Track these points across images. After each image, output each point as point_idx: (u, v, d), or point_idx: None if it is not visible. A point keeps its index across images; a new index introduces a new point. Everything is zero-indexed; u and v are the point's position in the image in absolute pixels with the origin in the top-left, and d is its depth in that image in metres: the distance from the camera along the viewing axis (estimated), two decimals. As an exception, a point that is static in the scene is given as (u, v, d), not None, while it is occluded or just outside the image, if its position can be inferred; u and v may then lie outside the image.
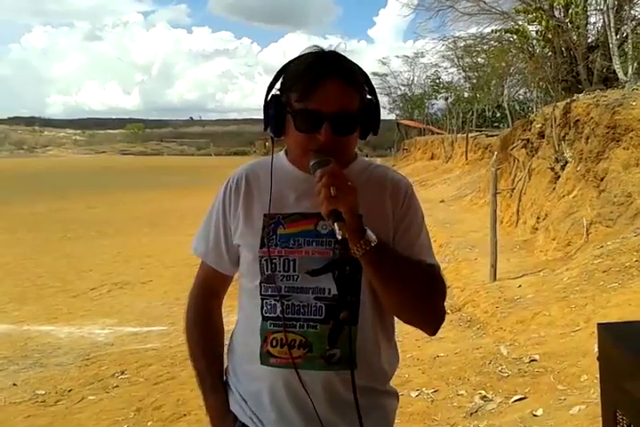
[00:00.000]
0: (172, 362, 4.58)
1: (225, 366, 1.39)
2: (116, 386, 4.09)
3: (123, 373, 4.36)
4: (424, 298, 1.21)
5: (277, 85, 1.25)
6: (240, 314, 1.36)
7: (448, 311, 5.56)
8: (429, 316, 1.24)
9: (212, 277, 1.40)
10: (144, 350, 5.03)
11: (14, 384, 4.18)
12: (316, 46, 1.26)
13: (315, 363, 1.22)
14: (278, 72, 1.26)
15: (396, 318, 1.29)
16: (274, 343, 1.24)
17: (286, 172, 1.30)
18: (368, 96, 1.25)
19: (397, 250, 1.21)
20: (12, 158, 67.36)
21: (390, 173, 1.36)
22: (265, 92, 1.26)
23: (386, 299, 1.21)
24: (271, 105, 1.23)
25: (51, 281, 8.10)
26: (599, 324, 0.98)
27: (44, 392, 3.99)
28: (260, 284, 1.26)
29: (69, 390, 4.01)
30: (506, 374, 3.59)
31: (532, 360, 3.72)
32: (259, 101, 1.28)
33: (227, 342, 1.39)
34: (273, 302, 1.24)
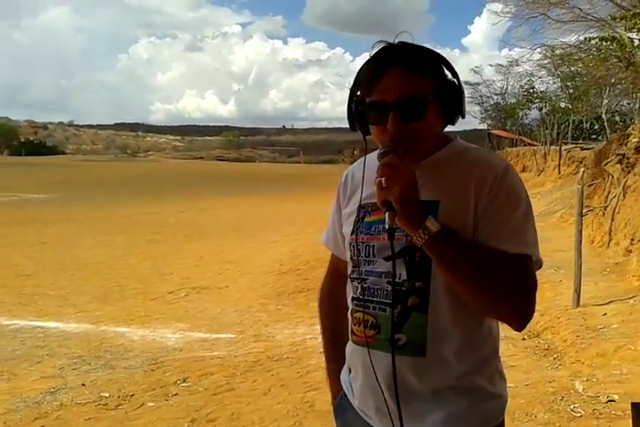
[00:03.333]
0: (234, 372, 4.59)
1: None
2: (176, 394, 4.13)
3: (184, 380, 4.40)
4: (495, 289, 1.15)
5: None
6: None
7: (524, 337, 5.24)
8: (505, 309, 1.18)
9: (336, 261, 1.59)
10: (209, 357, 5.07)
11: (83, 384, 4.32)
12: (382, 41, 1.27)
13: (382, 345, 1.27)
14: (357, 72, 1.31)
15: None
16: (355, 322, 1.36)
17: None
18: (450, 78, 1.26)
19: (465, 239, 1.18)
20: (116, 162, 71.34)
21: (485, 155, 1.32)
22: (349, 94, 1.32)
23: (455, 288, 1.19)
24: (350, 103, 1.30)
25: (133, 282, 8.39)
26: (633, 403, 0.81)
27: (107, 395, 4.10)
28: (352, 268, 1.38)
29: (131, 395, 4.08)
30: (578, 415, 3.28)
31: (610, 401, 3.39)
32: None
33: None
34: (356, 285, 1.36)
